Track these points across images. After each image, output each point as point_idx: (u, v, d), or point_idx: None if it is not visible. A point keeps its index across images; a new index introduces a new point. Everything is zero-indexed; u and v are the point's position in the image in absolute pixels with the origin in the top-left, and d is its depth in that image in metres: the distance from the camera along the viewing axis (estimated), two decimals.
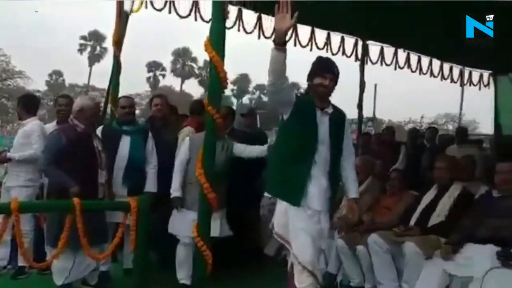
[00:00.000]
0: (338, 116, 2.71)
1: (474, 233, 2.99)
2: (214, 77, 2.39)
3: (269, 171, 2.72)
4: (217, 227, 3.43)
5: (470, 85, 8.89)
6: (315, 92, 2.63)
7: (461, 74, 8.64)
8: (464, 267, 2.80)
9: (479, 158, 5.05)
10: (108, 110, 4.94)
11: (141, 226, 2.61)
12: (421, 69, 7.93)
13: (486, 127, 9.91)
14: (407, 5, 5.10)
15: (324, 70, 2.62)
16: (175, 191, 3.50)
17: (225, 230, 3.58)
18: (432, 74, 8.13)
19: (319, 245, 2.62)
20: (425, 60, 7.93)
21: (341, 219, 3.68)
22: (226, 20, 2.74)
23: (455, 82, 8.63)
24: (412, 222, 3.44)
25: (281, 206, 2.60)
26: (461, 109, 10.23)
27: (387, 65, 7.51)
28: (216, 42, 2.42)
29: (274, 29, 7.32)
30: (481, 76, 8.86)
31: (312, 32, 6.72)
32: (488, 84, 8.93)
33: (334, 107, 2.72)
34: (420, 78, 8.21)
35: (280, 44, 2.31)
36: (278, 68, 2.35)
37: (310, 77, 2.64)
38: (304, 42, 6.71)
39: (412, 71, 7.85)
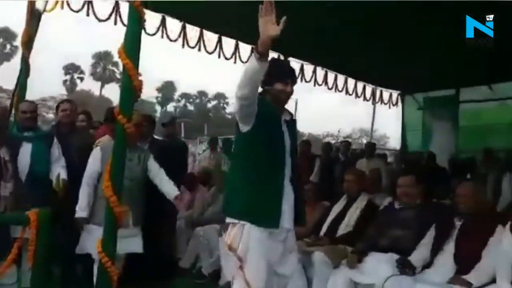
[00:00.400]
0: (293, 123, 2.50)
1: (377, 242, 3.20)
2: (127, 85, 2.29)
3: (234, 192, 2.34)
4: (140, 242, 3.31)
5: (381, 103, 9.62)
6: (275, 99, 2.35)
7: (373, 93, 9.33)
8: (367, 274, 2.97)
9: (385, 171, 5.46)
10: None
11: (41, 241, 2.41)
12: (337, 87, 8.44)
13: (395, 142, 10.79)
14: (326, 26, 5.42)
15: (286, 75, 2.37)
16: (81, 210, 3.23)
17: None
18: (347, 91, 8.68)
19: (273, 269, 2.32)
20: (341, 78, 8.45)
21: None
22: (143, 25, 2.65)
23: (368, 100, 9.31)
24: (323, 232, 3.60)
25: (247, 227, 2.24)
26: (372, 125, 10.95)
27: (306, 81, 7.87)
28: (131, 48, 2.33)
29: (218, 44, 7.23)
30: (390, 95, 9.64)
31: (236, 46, 6.83)
32: (397, 103, 9.74)
33: (290, 112, 2.48)
34: (337, 95, 8.74)
35: (263, 54, 1.99)
36: (256, 80, 2.08)
37: (268, 82, 2.32)
38: (228, 54, 6.80)
39: (329, 88, 8.32)
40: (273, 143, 2.30)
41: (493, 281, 2.66)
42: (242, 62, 6.96)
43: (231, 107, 39.64)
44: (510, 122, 8.32)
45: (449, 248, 2.90)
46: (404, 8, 4.86)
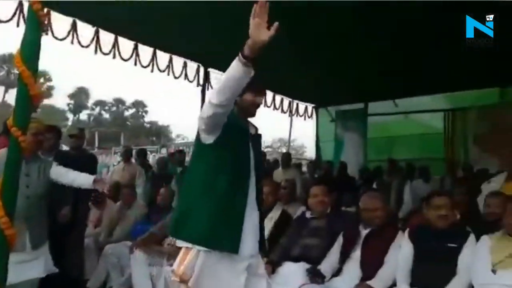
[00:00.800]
0: (259, 138, 2.31)
1: (290, 252, 3.28)
2: (23, 94, 2.07)
3: (188, 212, 2.08)
4: (40, 266, 3.01)
5: (297, 115, 10.00)
6: (244, 110, 2.16)
7: (290, 105, 9.67)
8: (280, 285, 3.01)
9: (300, 181, 5.65)
10: None
11: None
12: None
13: (312, 152, 11.25)
14: (243, 38, 5.49)
15: (257, 84, 2.14)
16: None
17: (50, 267, 3.12)
18: (266, 103, 8.89)
19: None
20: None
21: (172, 245, 3.62)
22: (45, 29, 2.45)
23: (285, 112, 9.61)
24: None
25: (202, 253, 2.02)
26: (290, 136, 11.30)
27: None
28: (29, 54, 2.13)
29: (134, 51, 6.87)
30: (306, 108, 10.07)
31: (154, 54, 6.67)
32: (312, 115, 10.20)
33: (255, 126, 2.28)
34: None
35: (250, 59, 1.82)
36: (238, 88, 1.89)
37: None
38: (145, 62, 6.61)
39: None
40: (238, 158, 2.10)
41: (395, 284, 2.85)
42: (160, 70, 6.82)
43: (150, 115, 38.49)
44: (412, 134, 9.13)
45: (356, 255, 3.03)
46: (319, 28, 5.13)
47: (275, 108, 9.18)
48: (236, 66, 1.84)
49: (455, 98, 8.44)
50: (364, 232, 3.13)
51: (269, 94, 8.91)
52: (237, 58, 1.84)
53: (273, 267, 3.15)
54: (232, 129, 2.07)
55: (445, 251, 2.79)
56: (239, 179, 2.08)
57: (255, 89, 2.15)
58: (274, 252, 3.33)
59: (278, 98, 9.21)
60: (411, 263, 2.84)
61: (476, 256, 2.69)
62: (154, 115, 38.87)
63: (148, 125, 37.10)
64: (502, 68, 6.10)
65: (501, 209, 2.95)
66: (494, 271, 2.60)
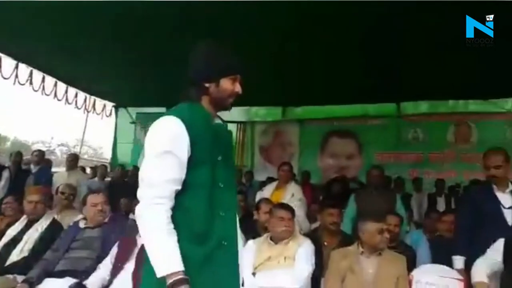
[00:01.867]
0: (230, 135, 1.75)
1: (53, 267, 2.89)
2: None
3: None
4: None
5: (93, 112, 9.26)
6: (217, 102, 1.60)
7: (86, 101, 8.87)
8: None
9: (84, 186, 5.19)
10: None
11: None
12: (44, 89, 7.57)
13: (109, 153, 10.52)
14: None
15: (238, 67, 1.61)
16: None
17: None
18: (56, 96, 7.92)
19: None
20: (49, 81, 7.63)
21: None
22: None
23: (79, 108, 8.77)
24: None
25: None
26: (84, 134, 10.37)
27: (5, 78, 6.72)
28: None
29: None
30: (104, 106, 9.42)
31: None
32: (111, 114, 9.62)
33: (222, 120, 1.71)
34: (45, 99, 7.84)
35: None
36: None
37: (211, 76, 1.57)
38: None
39: (35, 90, 7.38)
40: (217, 172, 1.55)
41: None
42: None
43: None
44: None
45: (129, 266, 2.86)
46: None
47: (67, 102, 8.28)
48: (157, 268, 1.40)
49: (249, 111, 9.28)
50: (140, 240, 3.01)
51: (62, 86, 7.99)
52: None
53: (30, 285, 2.73)
54: (203, 137, 1.53)
55: None
56: (224, 199, 1.57)
57: (233, 71, 1.61)
58: (35, 268, 2.88)
59: (72, 91, 8.34)
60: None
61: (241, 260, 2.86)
62: None
63: None
64: (284, 88, 6.96)
65: (269, 215, 3.24)
66: (254, 274, 2.82)
